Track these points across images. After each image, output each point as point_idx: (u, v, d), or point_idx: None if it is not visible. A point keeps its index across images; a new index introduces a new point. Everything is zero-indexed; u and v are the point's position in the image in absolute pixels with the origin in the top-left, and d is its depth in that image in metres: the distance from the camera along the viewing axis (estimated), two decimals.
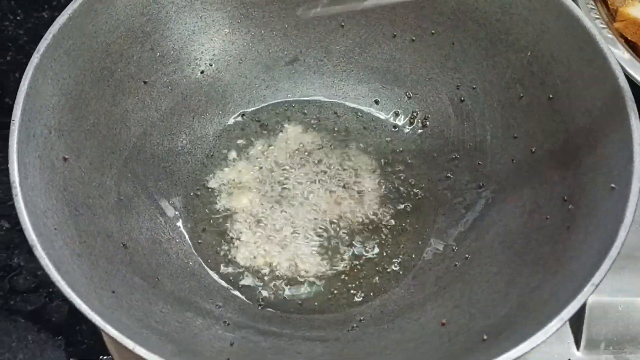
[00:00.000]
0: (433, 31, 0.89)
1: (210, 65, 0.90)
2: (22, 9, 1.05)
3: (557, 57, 0.78)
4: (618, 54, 0.88)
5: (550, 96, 0.79)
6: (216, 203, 0.85)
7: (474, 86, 0.87)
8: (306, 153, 0.89)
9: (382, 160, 0.89)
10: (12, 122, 0.68)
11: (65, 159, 0.73)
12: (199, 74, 0.89)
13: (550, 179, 0.77)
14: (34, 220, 0.64)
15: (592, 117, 0.74)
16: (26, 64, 0.71)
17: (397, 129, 0.91)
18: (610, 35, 0.92)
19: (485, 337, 0.67)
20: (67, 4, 0.76)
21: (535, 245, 0.74)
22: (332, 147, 0.89)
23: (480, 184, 0.84)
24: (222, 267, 0.80)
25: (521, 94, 0.82)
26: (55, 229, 0.67)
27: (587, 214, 0.70)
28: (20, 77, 0.70)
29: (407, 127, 0.91)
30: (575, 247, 0.69)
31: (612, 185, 0.68)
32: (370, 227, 0.83)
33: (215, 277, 0.80)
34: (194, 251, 0.81)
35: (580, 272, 0.64)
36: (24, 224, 0.63)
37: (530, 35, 0.81)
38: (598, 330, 0.76)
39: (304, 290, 0.79)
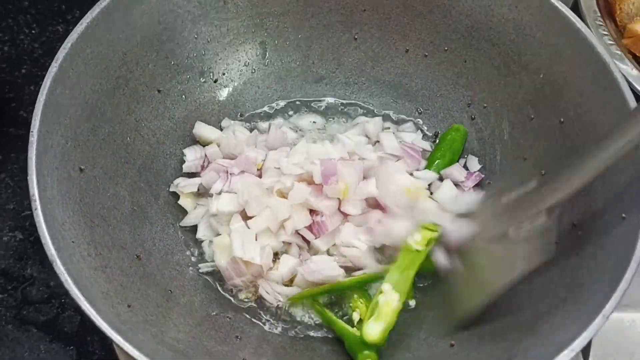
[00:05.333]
0: (446, 48, 0.89)
1: (224, 74, 0.90)
2: (37, 22, 1.06)
3: (570, 81, 0.79)
4: (626, 70, 0.89)
5: (562, 120, 0.80)
6: None
7: (485, 105, 0.88)
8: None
9: None
10: (30, 133, 0.68)
11: (81, 169, 0.73)
12: (213, 82, 0.89)
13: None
14: (52, 233, 0.64)
15: None
16: (41, 77, 0.70)
17: None
18: (618, 52, 0.92)
19: None
20: (82, 17, 0.76)
21: (543, 269, 0.74)
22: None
23: None
24: (232, 280, 0.80)
25: (532, 116, 0.83)
26: (72, 242, 0.67)
27: (596, 241, 0.71)
28: (35, 90, 0.70)
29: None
30: (585, 274, 0.69)
31: (623, 215, 0.69)
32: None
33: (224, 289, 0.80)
34: (205, 263, 0.81)
35: (591, 301, 0.65)
36: (44, 238, 0.64)
37: (543, 58, 0.81)
38: (606, 346, 0.77)
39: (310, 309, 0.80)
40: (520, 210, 0.71)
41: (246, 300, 0.79)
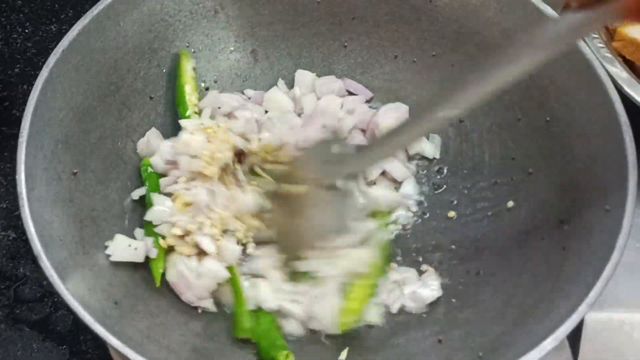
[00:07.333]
0: (434, 53, 0.90)
1: (215, 82, 0.91)
2: (31, 22, 1.08)
3: (556, 81, 0.80)
4: (616, 73, 0.89)
5: (548, 119, 0.81)
6: None
7: (473, 108, 0.88)
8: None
9: None
10: (20, 134, 0.69)
11: (71, 172, 0.74)
12: (204, 90, 0.91)
13: (547, 201, 0.78)
14: (39, 230, 0.66)
15: (589, 140, 0.76)
16: (34, 76, 0.72)
17: None
18: (608, 54, 0.92)
19: (481, 354, 0.68)
20: (75, 17, 0.78)
21: (531, 265, 0.75)
22: None
23: (478, 204, 0.85)
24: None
25: (519, 117, 0.84)
26: (60, 239, 0.68)
27: (582, 235, 0.71)
28: (29, 89, 0.71)
29: None
30: (571, 267, 0.70)
31: (607, 207, 0.69)
32: None
33: None
34: None
35: (576, 292, 0.65)
36: (30, 234, 0.65)
37: None
38: (596, 346, 0.77)
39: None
40: (337, 166, 0.75)
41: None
